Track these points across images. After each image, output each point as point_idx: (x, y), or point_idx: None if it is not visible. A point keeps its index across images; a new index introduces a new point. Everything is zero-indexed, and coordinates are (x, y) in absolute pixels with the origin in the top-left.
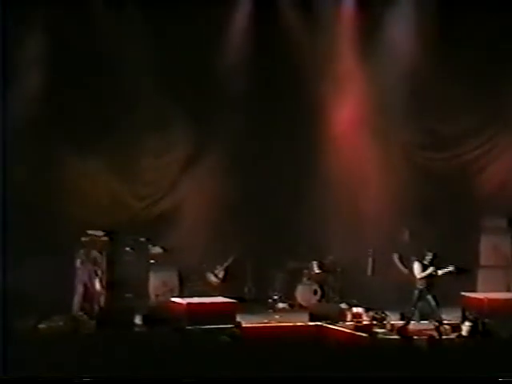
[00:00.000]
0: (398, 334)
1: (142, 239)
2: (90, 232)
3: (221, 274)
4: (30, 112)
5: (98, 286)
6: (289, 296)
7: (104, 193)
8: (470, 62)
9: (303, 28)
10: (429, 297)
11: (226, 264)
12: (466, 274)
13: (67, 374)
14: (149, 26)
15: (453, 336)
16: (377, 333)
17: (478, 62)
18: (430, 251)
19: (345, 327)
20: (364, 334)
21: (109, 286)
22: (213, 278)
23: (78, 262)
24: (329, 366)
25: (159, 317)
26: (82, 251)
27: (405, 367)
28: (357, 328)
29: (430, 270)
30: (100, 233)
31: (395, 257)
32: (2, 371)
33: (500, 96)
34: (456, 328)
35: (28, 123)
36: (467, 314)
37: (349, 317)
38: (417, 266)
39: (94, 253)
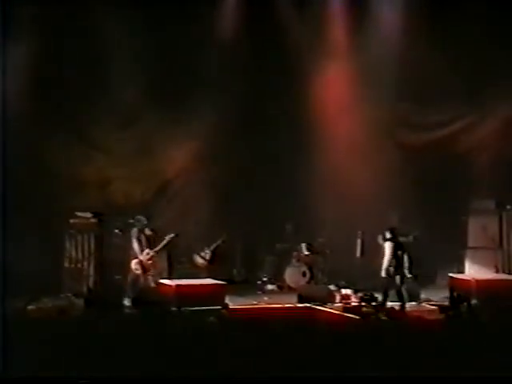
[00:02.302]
0: (386, 315)
1: (131, 221)
2: (78, 214)
3: (208, 256)
4: (25, 98)
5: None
6: (278, 278)
7: (94, 175)
8: (461, 44)
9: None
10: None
11: (213, 246)
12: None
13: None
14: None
15: (440, 317)
16: (369, 314)
17: (468, 44)
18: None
19: (333, 309)
20: (356, 316)
21: (98, 267)
22: (200, 260)
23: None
24: (317, 347)
25: (148, 298)
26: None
27: (394, 348)
28: (345, 309)
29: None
30: (89, 215)
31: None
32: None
33: (490, 78)
34: (443, 309)
35: (22, 110)
36: (455, 294)
37: (337, 298)
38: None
39: (147, 231)
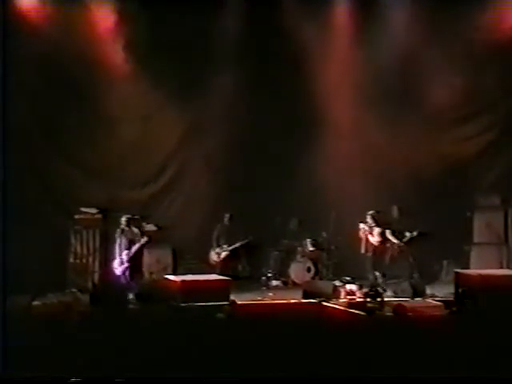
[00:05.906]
0: (392, 311)
1: (136, 217)
2: (83, 209)
3: (223, 255)
4: (26, 96)
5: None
6: (282, 273)
7: (99, 169)
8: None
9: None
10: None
11: (234, 246)
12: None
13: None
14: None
15: (445, 312)
16: (373, 310)
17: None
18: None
19: (338, 304)
20: (361, 312)
21: (103, 263)
22: (214, 258)
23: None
24: (322, 342)
25: (153, 294)
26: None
27: (399, 344)
28: (350, 305)
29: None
30: (94, 210)
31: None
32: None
33: (495, 77)
34: (449, 304)
35: (23, 107)
36: (460, 290)
37: (342, 294)
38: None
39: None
